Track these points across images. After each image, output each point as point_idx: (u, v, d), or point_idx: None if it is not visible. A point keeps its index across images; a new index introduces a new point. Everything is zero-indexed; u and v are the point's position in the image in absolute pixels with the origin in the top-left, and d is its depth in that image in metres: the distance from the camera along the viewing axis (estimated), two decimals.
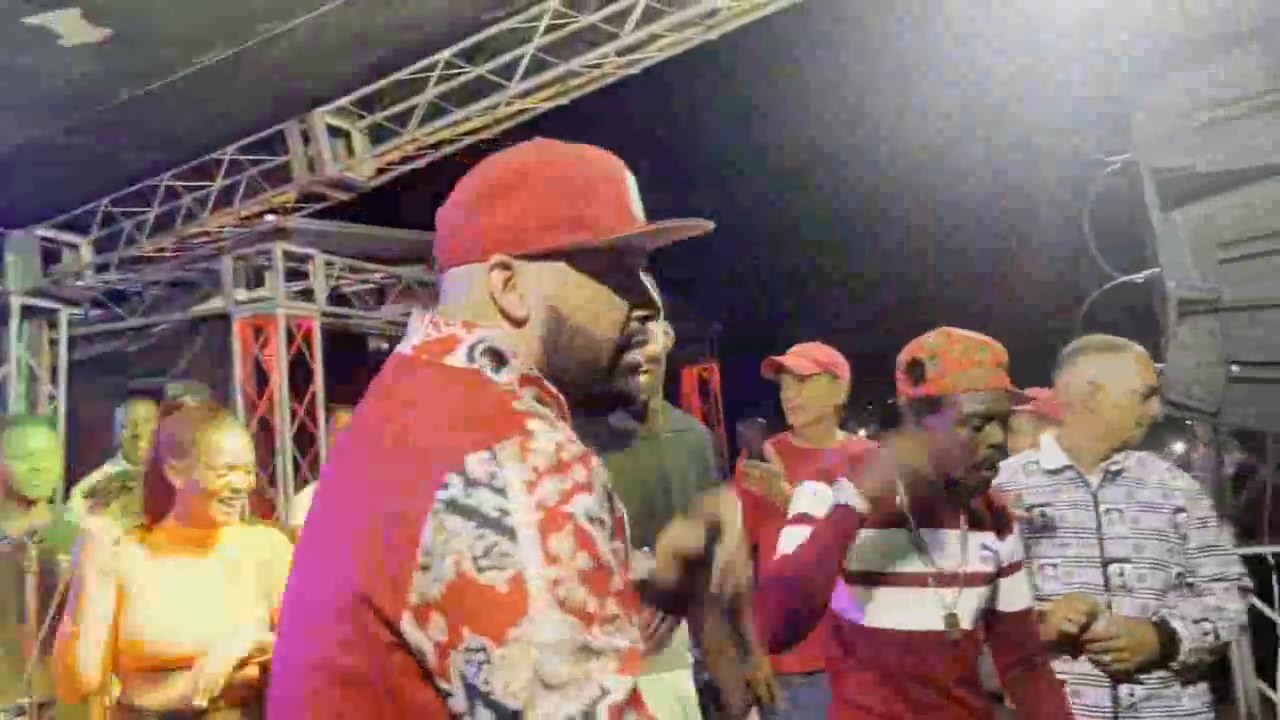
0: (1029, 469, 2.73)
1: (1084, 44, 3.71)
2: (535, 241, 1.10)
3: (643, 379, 2.20)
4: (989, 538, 2.22)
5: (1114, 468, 2.63)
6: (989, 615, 2.24)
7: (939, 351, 2.13)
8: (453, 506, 0.90)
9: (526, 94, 5.37)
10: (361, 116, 5.73)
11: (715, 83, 7.51)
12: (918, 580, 2.13)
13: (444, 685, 0.91)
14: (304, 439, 6.38)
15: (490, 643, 0.88)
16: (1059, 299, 3.76)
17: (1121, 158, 3.66)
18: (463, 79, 5.37)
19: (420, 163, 5.82)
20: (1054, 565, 2.59)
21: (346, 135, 5.78)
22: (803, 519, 2.09)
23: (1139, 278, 3.51)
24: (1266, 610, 3.68)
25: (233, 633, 2.34)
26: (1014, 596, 2.26)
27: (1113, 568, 2.55)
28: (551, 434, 0.96)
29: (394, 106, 5.61)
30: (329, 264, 6.71)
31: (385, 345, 7.65)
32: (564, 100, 5.46)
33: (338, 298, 7.19)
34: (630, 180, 1.18)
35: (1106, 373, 2.66)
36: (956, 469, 2.09)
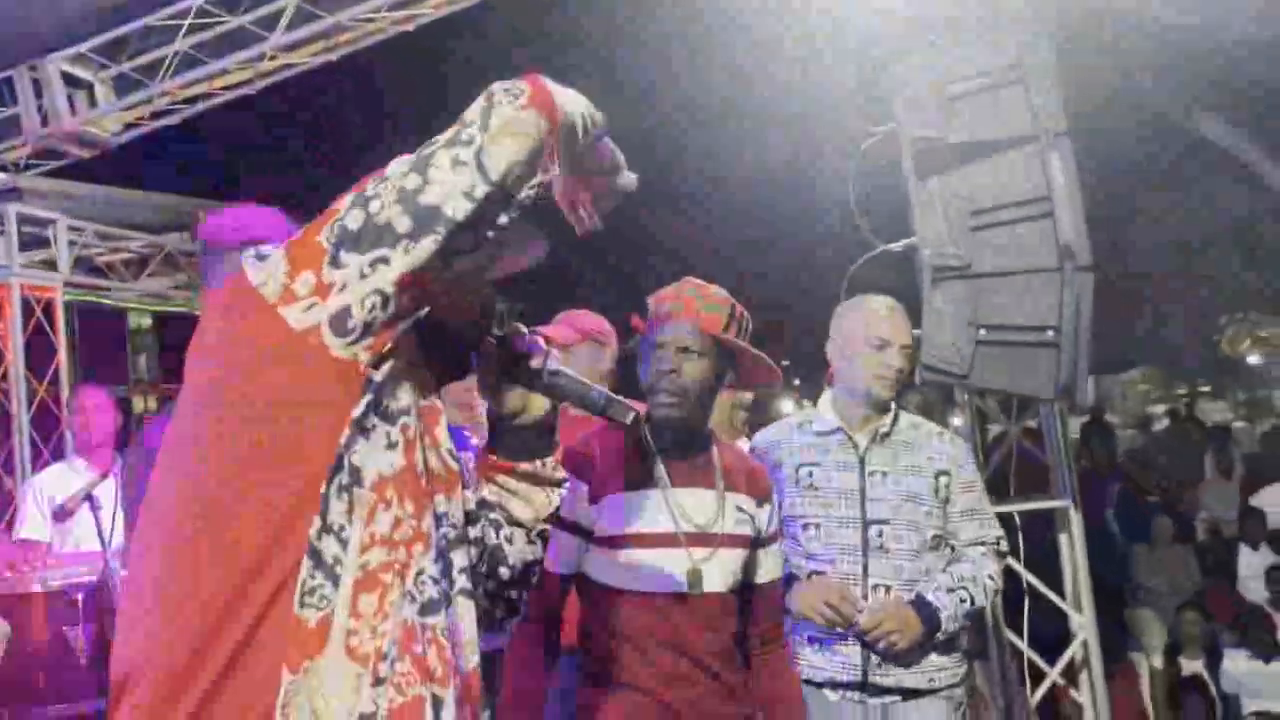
0: (803, 428, 2.73)
1: (852, 8, 3.74)
2: None
3: None
4: (745, 500, 2.16)
5: (883, 430, 2.65)
6: (745, 586, 2.17)
7: (663, 294, 2.18)
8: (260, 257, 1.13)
9: (291, 47, 5.01)
10: (105, 66, 5.21)
11: (490, 44, 7.31)
12: (668, 540, 2.05)
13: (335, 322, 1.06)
14: (48, 421, 5.80)
15: (337, 218, 1.08)
16: (835, 269, 3.79)
17: (884, 128, 3.71)
18: (220, 29, 4.96)
19: (174, 118, 5.36)
20: (817, 525, 2.59)
21: (89, 87, 5.25)
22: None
23: (898, 246, 3.57)
24: (1015, 565, 3.86)
25: None
26: (766, 569, 2.21)
27: (873, 529, 2.57)
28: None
29: (142, 56, 5.13)
30: (76, 230, 6.10)
31: (147, 321, 7.07)
32: (332, 56, 5.14)
33: (90, 268, 6.57)
34: None
35: (845, 327, 2.71)
36: (650, 394, 2.12)
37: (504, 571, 1.34)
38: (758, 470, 2.26)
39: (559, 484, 1.36)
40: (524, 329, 1.30)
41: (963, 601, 2.53)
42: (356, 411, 1.09)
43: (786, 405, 10.98)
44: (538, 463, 1.34)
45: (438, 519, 1.20)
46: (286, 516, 1.05)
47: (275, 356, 1.06)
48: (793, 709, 2.21)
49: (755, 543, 2.17)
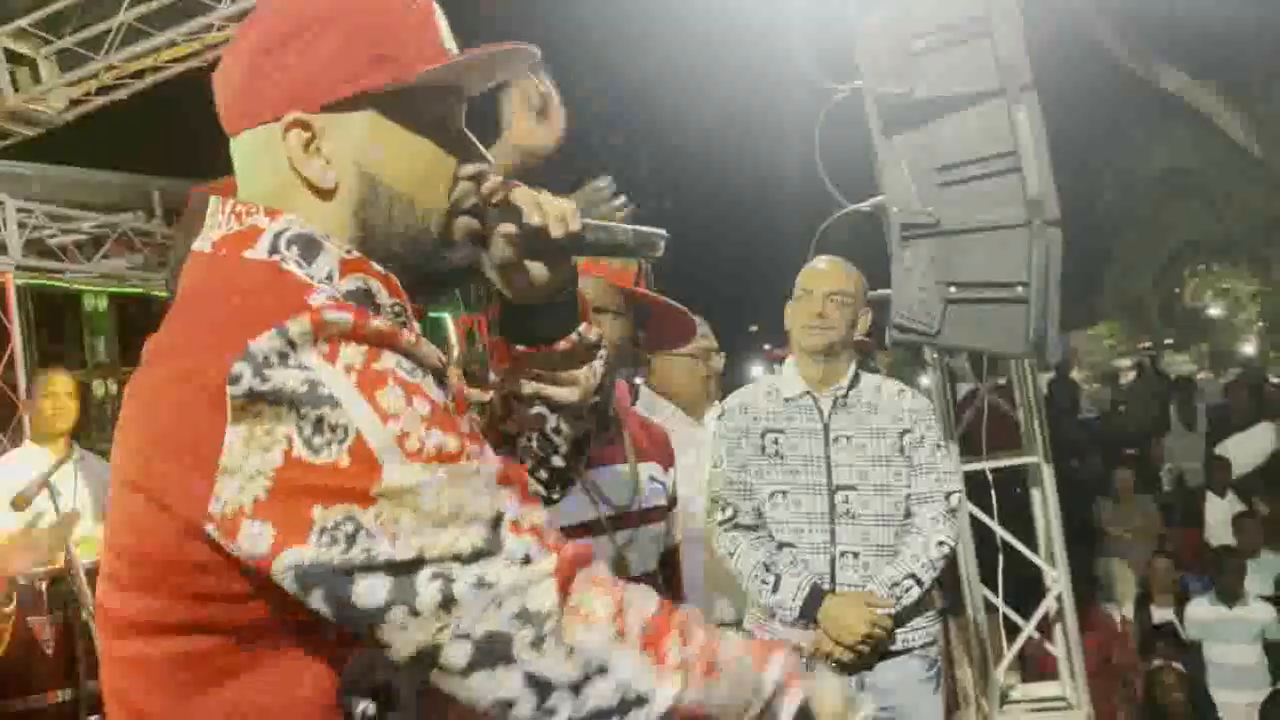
0: (770, 395, 2.70)
1: None
2: (337, 88, 0.91)
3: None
4: (656, 469, 2.05)
5: (841, 394, 2.63)
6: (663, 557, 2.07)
7: None
8: (253, 396, 0.79)
9: (239, 17, 4.87)
10: (47, 41, 5.05)
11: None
12: (591, 528, 1.89)
13: (267, 600, 0.82)
14: (3, 408, 5.67)
15: (357, 507, 0.79)
16: (802, 231, 3.75)
17: (849, 86, 3.66)
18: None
19: (122, 93, 5.21)
20: (784, 493, 2.57)
21: (31, 62, 5.09)
22: None
23: (866, 206, 3.54)
24: (987, 521, 3.88)
25: None
26: (674, 534, 2.13)
27: (839, 495, 2.55)
28: (343, 311, 0.83)
29: (85, 30, 4.97)
30: (25, 211, 5.93)
31: (105, 302, 6.92)
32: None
33: (43, 250, 6.41)
34: (437, 8, 0.99)
35: (795, 287, 2.69)
36: None
37: (557, 460, 1.20)
38: (659, 433, 2.15)
39: (598, 347, 1.18)
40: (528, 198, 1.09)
41: (908, 590, 2.50)
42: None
43: (756, 369, 10.99)
44: (573, 335, 1.15)
45: None
46: None
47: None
48: None
49: (667, 510, 2.08)
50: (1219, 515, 5.95)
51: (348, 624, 0.81)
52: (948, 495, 2.60)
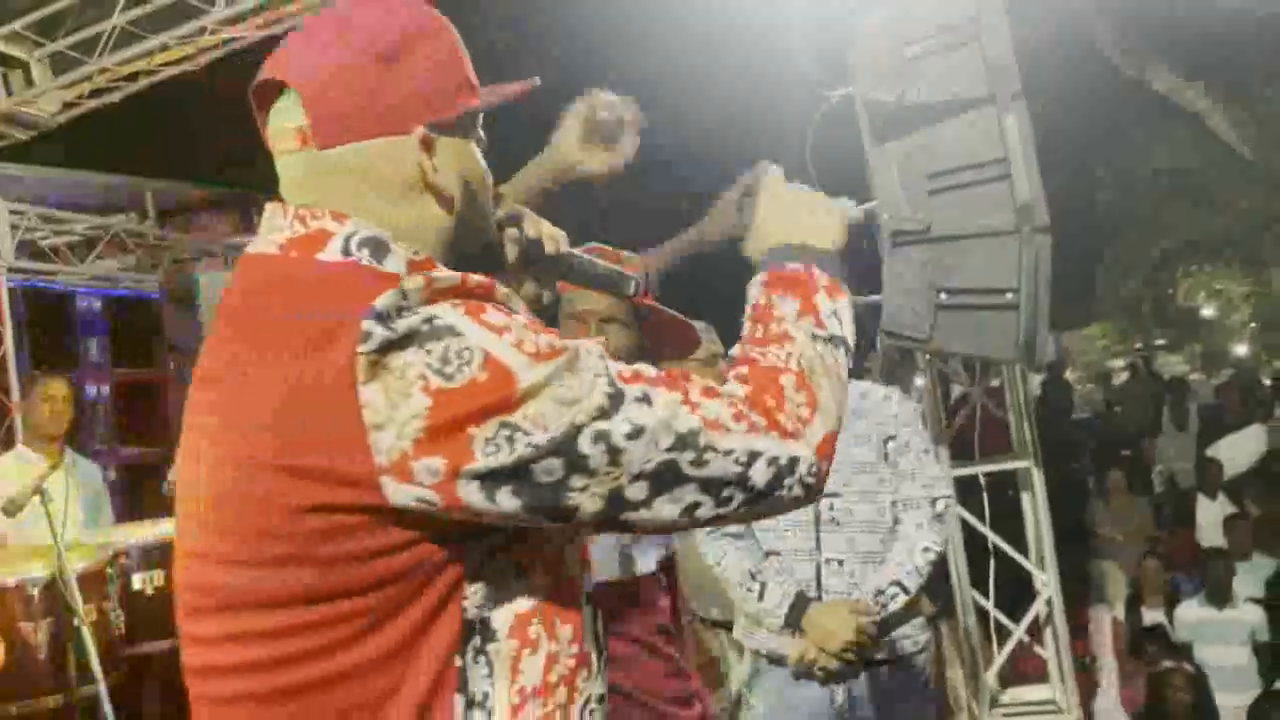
0: None
1: None
2: (448, 107, 1.03)
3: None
4: None
5: None
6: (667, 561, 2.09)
7: None
8: (386, 347, 0.88)
9: (233, 20, 4.87)
10: (40, 44, 5.04)
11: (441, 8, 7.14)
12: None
13: (453, 514, 0.90)
14: None
15: (507, 415, 0.88)
16: None
17: (842, 91, 3.67)
18: (158, 2, 4.80)
19: (115, 96, 5.20)
20: None
21: (23, 65, 5.08)
22: None
23: (856, 212, 3.55)
24: (979, 526, 3.90)
25: None
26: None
27: (824, 503, 2.55)
28: (449, 273, 0.96)
29: (78, 33, 4.96)
30: (17, 214, 5.92)
31: (97, 304, 6.90)
32: (278, 29, 4.99)
33: (35, 252, 6.40)
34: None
35: None
36: None
37: None
38: None
39: None
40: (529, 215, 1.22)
41: (894, 597, 2.50)
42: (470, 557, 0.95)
43: None
44: None
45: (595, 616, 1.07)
46: (420, 709, 0.93)
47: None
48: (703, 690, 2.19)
49: None
50: (1210, 517, 5.97)
51: (538, 510, 0.91)
52: (934, 501, 2.60)
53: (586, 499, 0.92)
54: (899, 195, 3.33)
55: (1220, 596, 4.79)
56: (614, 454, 0.91)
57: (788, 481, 0.97)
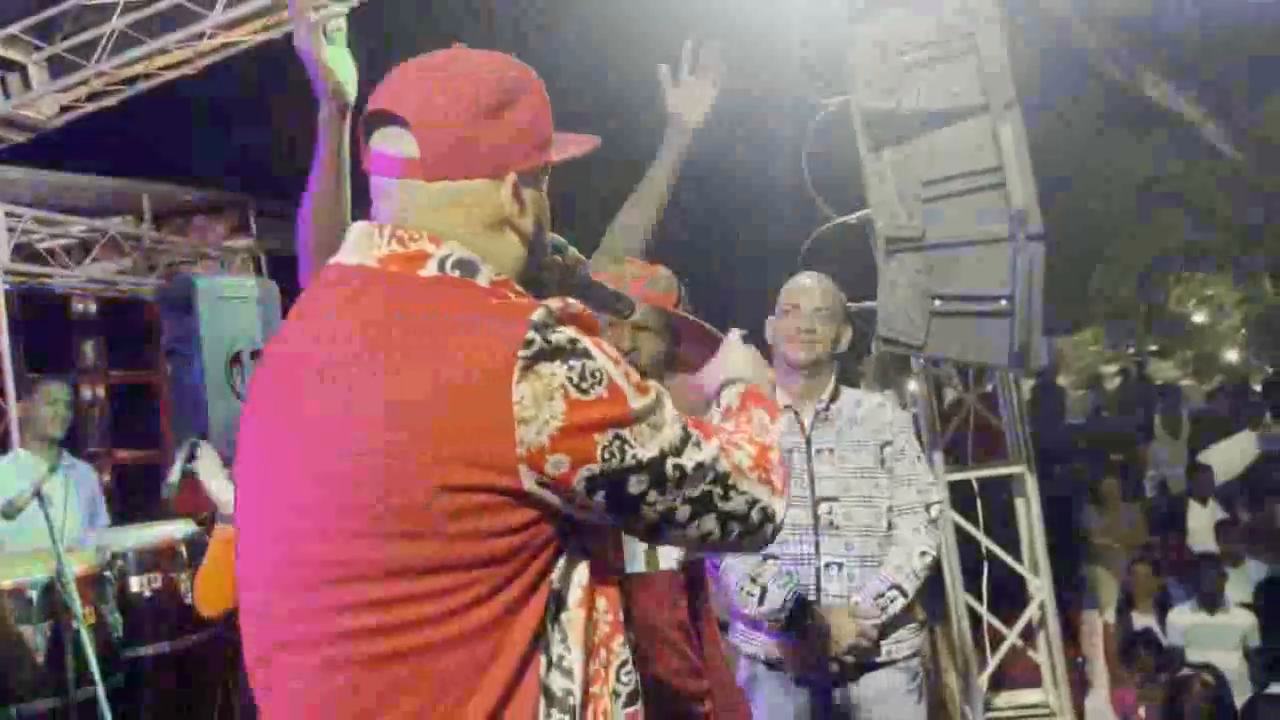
0: None
1: None
2: (533, 158, 1.20)
3: None
4: None
5: (821, 408, 2.67)
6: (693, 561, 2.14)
7: (600, 275, 2.14)
8: (542, 355, 1.05)
9: (231, 25, 4.88)
10: (38, 47, 5.04)
11: (434, 16, 7.19)
12: None
13: (563, 503, 1.08)
14: None
15: (624, 429, 1.08)
16: (791, 241, 3.79)
17: (838, 99, 3.70)
18: (157, 6, 4.81)
19: (112, 100, 5.21)
20: None
21: (21, 68, 5.09)
22: None
23: (853, 218, 3.58)
24: (972, 530, 3.92)
25: None
26: None
27: (822, 506, 2.59)
28: (573, 303, 1.13)
29: (77, 36, 4.97)
30: (13, 216, 5.92)
31: (93, 307, 6.91)
32: (275, 34, 5.00)
33: (30, 254, 6.40)
34: None
35: (779, 302, 2.73)
36: None
37: None
38: None
39: None
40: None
41: (893, 601, 2.54)
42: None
43: None
44: None
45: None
46: (516, 670, 1.07)
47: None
48: (728, 685, 2.22)
49: None
50: (1201, 522, 6.00)
51: (617, 512, 1.11)
52: (929, 506, 2.65)
53: (652, 511, 1.12)
54: (894, 202, 3.37)
55: (1212, 601, 4.82)
56: (680, 480, 1.12)
57: (768, 527, 1.21)
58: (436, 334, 1.07)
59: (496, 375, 1.04)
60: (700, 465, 1.14)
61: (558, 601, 1.10)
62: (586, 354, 1.08)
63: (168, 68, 5.08)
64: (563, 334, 1.07)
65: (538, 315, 1.07)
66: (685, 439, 1.14)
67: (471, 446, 1.03)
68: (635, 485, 1.10)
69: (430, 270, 1.12)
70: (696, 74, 2.49)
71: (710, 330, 2.09)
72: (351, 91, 1.68)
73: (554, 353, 1.05)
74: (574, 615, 1.11)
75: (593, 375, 1.07)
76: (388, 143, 1.17)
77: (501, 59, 1.21)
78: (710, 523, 1.16)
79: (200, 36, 4.87)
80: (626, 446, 1.08)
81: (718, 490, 1.15)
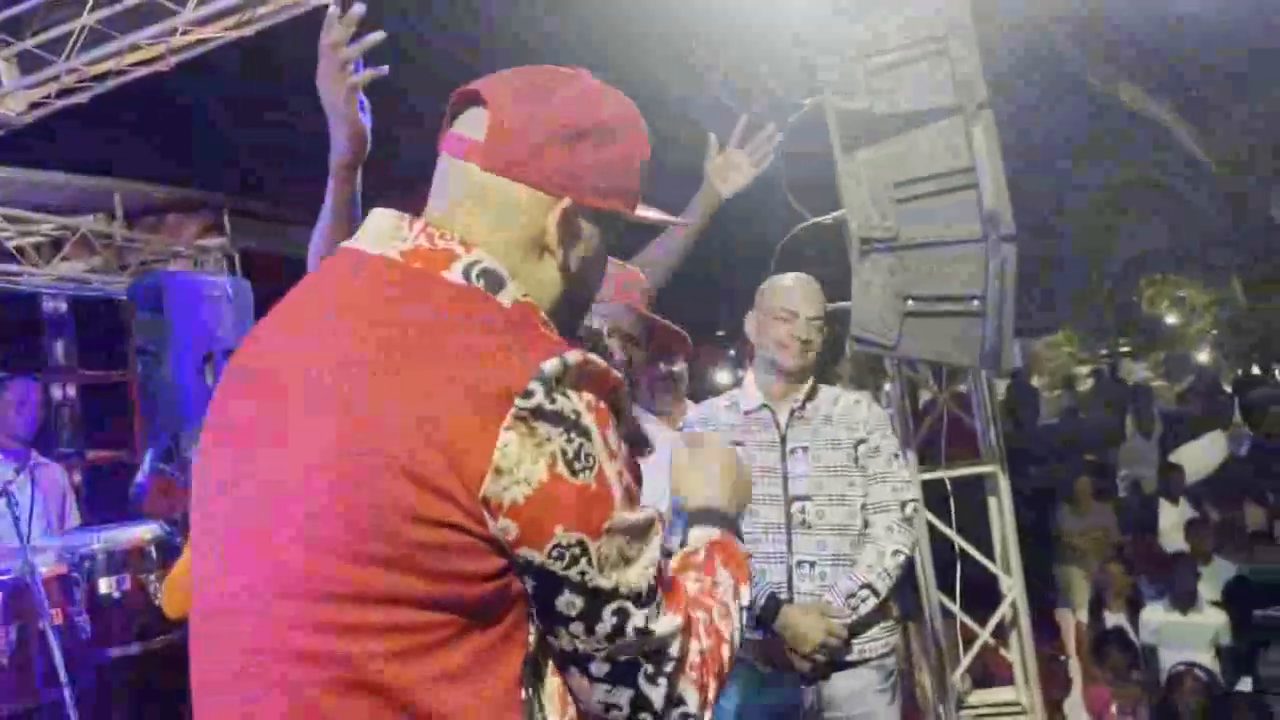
0: (730, 408, 2.74)
1: None
2: (602, 200, 1.11)
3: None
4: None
5: (798, 406, 2.68)
6: None
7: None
8: (540, 413, 0.94)
9: (204, 21, 4.84)
10: (8, 43, 4.98)
11: (417, 17, 7.16)
12: None
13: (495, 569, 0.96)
14: None
15: (589, 538, 0.96)
16: (765, 242, 3.80)
17: (812, 100, 3.71)
18: (128, 2, 4.76)
19: (83, 96, 5.15)
20: None
21: None
22: None
23: (827, 219, 3.59)
24: (945, 529, 3.94)
25: None
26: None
27: (795, 505, 2.59)
28: (597, 356, 1.02)
29: (47, 32, 4.91)
30: None
31: (64, 306, 6.82)
32: (249, 30, 4.96)
33: (1, 252, 6.32)
34: None
35: (760, 302, 2.74)
36: None
37: None
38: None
39: None
40: None
41: (864, 600, 2.55)
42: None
43: (723, 376, 11.05)
44: None
45: None
46: None
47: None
48: None
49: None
50: (1172, 521, 6.06)
51: (538, 614, 1.00)
52: (903, 504, 2.65)
53: (568, 642, 1.00)
54: (868, 203, 3.38)
55: (1186, 601, 4.87)
56: (615, 634, 0.99)
57: None
58: (442, 354, 0.98)
59: (490, 414, 0.94)
60: (645, 632, 1.00)
61: (537, 666, 1.02)
62: (588, 435, 0.97)
63: (140, 64, 5.02)
64: (568, 403, 0.96)
65: (550, 366, 0.96)
66: (650, 593, 1.00)
67: (445, 482, 0.93)
68: (565, 604, 0.98)
69: (455, 274, 1.04)
70: (745, 150, 2.65)
71: (676, 330, 2.13)
72: (367, 141, 1.70)
73: (554, 416, 0.95)
74: (551, 684, 1.03)
75: (586, 459, 0.96)
76: (463, 124, 1.11)
77: (618, 97, 1.15)
78: (622, 697, 1.01)
79: (172, 33, 4.82)
80: (582, 559, 0.96)
81: (648, 668, 1.01)
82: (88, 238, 6.55)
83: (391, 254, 1.06)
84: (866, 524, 2.63)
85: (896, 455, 2.74)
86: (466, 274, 1.04)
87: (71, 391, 6.55)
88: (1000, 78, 3.41)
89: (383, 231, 1.08)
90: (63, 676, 3.16)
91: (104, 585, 3.71)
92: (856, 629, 2.55)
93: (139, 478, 3.17)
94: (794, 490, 2.60)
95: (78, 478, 6.06)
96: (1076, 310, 15.48)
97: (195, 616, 1.08)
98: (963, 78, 3.28)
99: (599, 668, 1.01)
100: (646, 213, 1.19)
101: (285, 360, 1.05)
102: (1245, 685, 4.48)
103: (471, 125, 1.10)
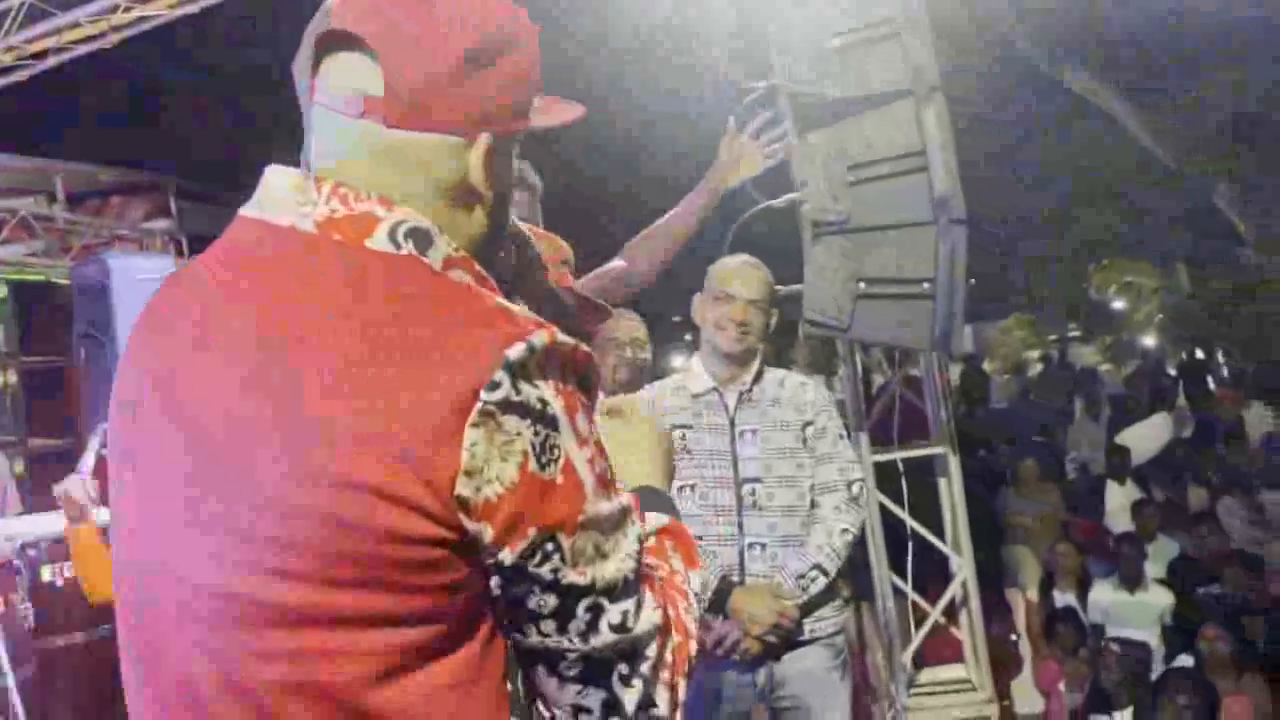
0: (678, 391, 2.74)
1: None
2: (517, 122, 1.02)
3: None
4: None
5: (745, 389, 2.68)
6: None
7: None
8: (507, 406, 0.87)
9: None
10: None
11: None
12: None
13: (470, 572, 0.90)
14: None
15: (563, 535, 0.90)
16: (721, 223, 3.79)
17: (765, 83, 3.71)
18: None
19: (22, 75, 5.03)
20: (692, 487, 2.61)
21: None
22: None
23: (780, 202, 3.59)
24: (897, 510, 3.98)
25: None
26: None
27: (746, 488, 2.60)
28: (565, 335, 0.93)
29: None
30: None
31: (4, 289, 6.65)
32: (192, 8, 4.87)
33: None
34: None
35: (705, 285, 2.74)
36: None
37: None
38: None
39: None
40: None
41: (814, 581, 2.57)
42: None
43: (679, 360, 11.08)
44: None
45: None
46: None
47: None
48: None
49: None
50: (1119, 502, 6.17)
51: (507, 614, 0.93)
52: (850, 484, 2.67)
53: (538, 641, 0.93)
54: (821, 186, 3.39)
55: (1133, 580, 4.96)
56: (588, 630, 0.93)
57: None
58: (390, 353, 0.87)
59: (454, 412, 0.85)
60: (623, 629, 0.94)
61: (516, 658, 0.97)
62: (554, 425, 0.89)
63: (81, 42, 4.91)
64: (535, 391, 0.88)
65: (516, 353, 0.87)
66: (626, 590, 0.94)
67: (413, 493, 0.85)
68: (537, 603, 0.91)
69: (379, 240, 0.92)
70: (759, 140, 2.59)
71: (598, 304, 2.04)
72: None
73: (521, 407, 0.87)
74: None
75: (552, 450, 0.89)
76: (344, 73, 0.96)
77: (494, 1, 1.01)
78: (594, 700, 0.95)
79: (115, 10, 4.71)
80: (555, 555, 0.90)
81: (622, 669, 0.95)
82: (28, 220, 6.40)
83: (305, 225, 0.93)
84: (814, 504, 2.64)
85: (842, 436, 2.75)
86: (393, 237, 0.93)
87: (13, 378, 6.39)
88: (951, 63, 3.42)
89: (286, 197, 0.95)
90: (6, 665, 3.10)
91: (47, 573, 3.65)
92: (807, 609, 2.57)
93: (81, 465, 3.09)
94: (744, 473, 2.61)
95: (19, 465, 5.93)
96: (1027, 296, 15.70)
97: (132, 641, 0.99)
98: (915, 61, 3.30)
99: (570, 668, 0.94)
100: (552, 117, 1.07)
101: (204, 373, 0.92)
102: (1187, 661, 4.58)
103: (351, 72, 0.95)
